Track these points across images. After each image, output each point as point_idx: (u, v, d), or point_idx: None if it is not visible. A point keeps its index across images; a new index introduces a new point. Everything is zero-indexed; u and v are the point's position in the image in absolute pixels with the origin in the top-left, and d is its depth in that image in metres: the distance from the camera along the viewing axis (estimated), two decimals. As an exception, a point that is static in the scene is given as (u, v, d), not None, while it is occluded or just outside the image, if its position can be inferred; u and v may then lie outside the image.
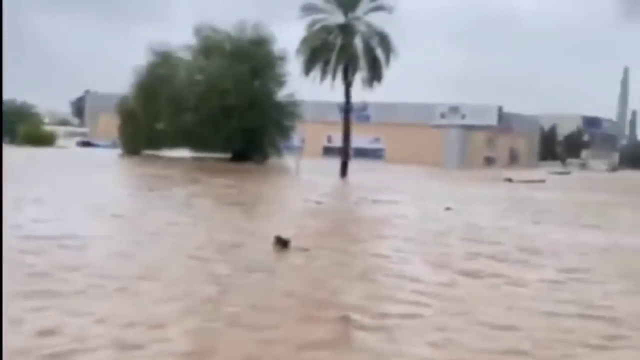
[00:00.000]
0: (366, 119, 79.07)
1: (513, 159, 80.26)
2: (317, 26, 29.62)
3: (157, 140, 40.94)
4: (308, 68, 29.84)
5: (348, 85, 30.19)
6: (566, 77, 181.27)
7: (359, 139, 78.75)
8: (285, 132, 43.63)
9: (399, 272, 8.16)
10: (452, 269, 8.43)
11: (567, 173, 60.79)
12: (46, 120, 74.14)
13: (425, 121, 71.60)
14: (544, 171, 61.49)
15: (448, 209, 16.61)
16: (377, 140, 78.28)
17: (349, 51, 29.36)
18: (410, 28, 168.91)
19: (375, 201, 18.19)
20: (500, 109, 71.57)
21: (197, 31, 41.33)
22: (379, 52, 29.54)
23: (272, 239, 9.81)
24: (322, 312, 6.13)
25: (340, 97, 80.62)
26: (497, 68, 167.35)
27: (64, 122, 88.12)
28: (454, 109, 71.72)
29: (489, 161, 74.07)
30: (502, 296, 7.24)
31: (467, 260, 9.19)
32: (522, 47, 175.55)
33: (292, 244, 9.69)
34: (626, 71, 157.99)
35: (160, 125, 40.29)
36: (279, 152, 43.03)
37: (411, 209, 16.52)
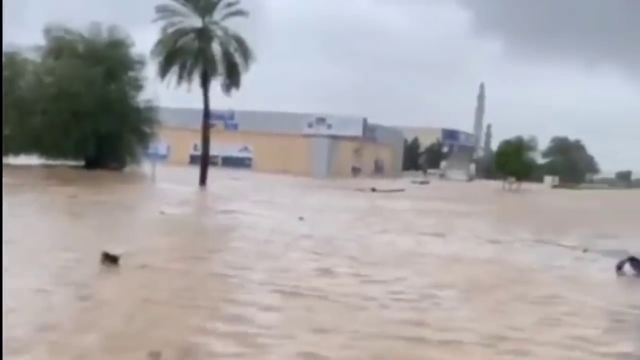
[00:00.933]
0: (234, 127, 78.23)
1: (378, 169, 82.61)
2: (172, 29, 28.45)
3: (4, 147, 37.60)
4: (163, 72, 28.56)
5: (206, 90, 29.20)
6: (427, 90, 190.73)
7: (227, 148, 77.93)
8: (143, 138, 41.63)
9: (231, 298, 7.38)
10: (289, 288, 7.81)
11: (427, 183, 63.26)
12: None
13: (293, 131, 71.92)
14: (406, 181, 63.75)
15: (301, 218, 16.21)
16: (245, 149, 77.62)
17: (205, 56, 28.43)
18: (277, 36, 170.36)
19: (228, 211, 17.40)
20: (365, 120, 73.37)
21: (47, 32, 38.55)
22: (237, 58, 28.83)
23: (100, 255, 8.77)
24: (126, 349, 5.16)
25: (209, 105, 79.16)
26: (362, 80, 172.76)
27: None
28: (321, 120, 72.63)
29: (356, 171, 75.64)
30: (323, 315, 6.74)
31: (306, 277, 8.65)
32: (385, 61, 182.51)
33: (123, 260, 8.69)
34: (482, 87, 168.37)
35: (6, 131, 36.99)
36: (136, 159, 40.93)
37: (264, 219, 15.92)
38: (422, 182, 61.87)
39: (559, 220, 21.54)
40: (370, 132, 77.01)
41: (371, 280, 8.37)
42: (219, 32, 28.88)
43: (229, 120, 78.58)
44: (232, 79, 29.05)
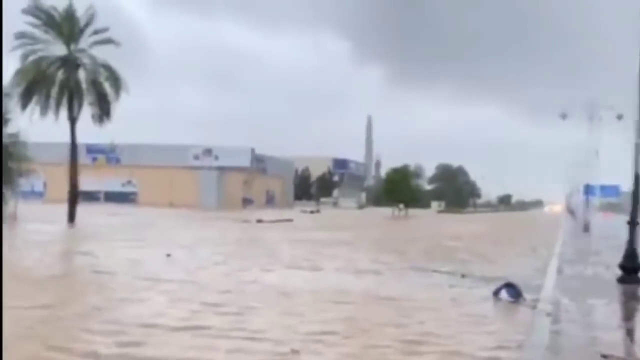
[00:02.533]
0: (117, 160, 75.15)
1: (269, 199, 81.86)
2: (33, 57, 26.35)
3: None
4: (24, 103, 26.31)
5: (73, 121, 27.18)
6: (315, 120, 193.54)
7: (109, 182, 74.57)
8: (10, 176, 38.46)
9: None
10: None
11: (317, 212, 63.07)
12: None
13: (179, 163, 69.93)
14: (296, 210, 63.28)
15: (169, 255, 14.91)
16: (129, 182, 74.52)
17: (70, 85, 26.50)
18: (160, 68, 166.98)
19: (84, 253, 15.74)
20: (252, 150, 72.63)
21: None
22: (107, 87, 27.12)
23: None
24: None
25: (88, 138, 75.64)
26: (249, 111, 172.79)
27: None
28: (207, 151, 71.15)
29: (247, 202, 74.43)
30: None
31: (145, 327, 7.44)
32: (266, 92, 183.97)
33: None
34: (369, 118, 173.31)
35: None
36: (4, 199, 37.60)
37: (125, 259, 14.44)
38: (312, 212, 61.62)
39: (439, 246, 21.43)
40: (259, 163, 76.34)
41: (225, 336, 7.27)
42: (86, 60, 27.08)
43: (111, 154, 75.52)
44: (103, 109, 27.24)
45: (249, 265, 13.41)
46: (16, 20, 26.07)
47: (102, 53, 27.54)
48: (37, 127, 27.96)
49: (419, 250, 19.22)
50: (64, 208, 31.46)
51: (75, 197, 27.84)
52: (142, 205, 64.85)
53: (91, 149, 75.78)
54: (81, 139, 73.49)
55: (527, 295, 10.18)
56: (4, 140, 37.06)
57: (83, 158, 74.76)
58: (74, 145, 27.72)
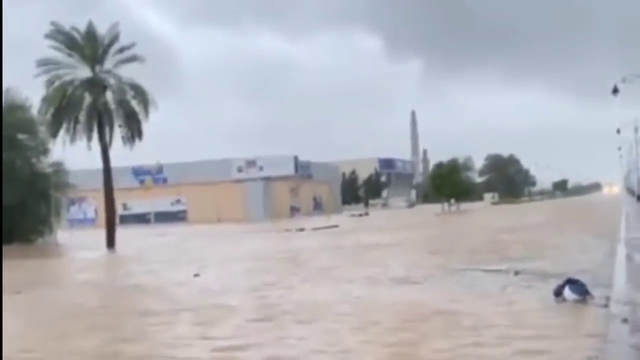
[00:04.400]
0: (164, 180, 75.50)
1: (317, 206, 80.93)
2: (58, 82, 25.96)
3: None
4: (54, 130, 25.96)
5: (105, 145, 26.68)
6: (357, 122, 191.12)
7: (158, 203, 75.00)
8: (55, 205, 38.57)
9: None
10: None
11: (366, 214, 61.78)
12: None
13: (224, 177, 69.78)
14: (344, 215, 62.13)
15: (197, 275, 13.96)
16: (177, 201, 74.86)
17: (98, 107, 26.03)
18: (194, 84, 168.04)
19: (115, 277, 14.95)
20: (296, 158, 71.82)
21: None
22: (136, 106, 26.55)
23: None
24: None
25: (133, 161, 76.34)
26: (289, 119, 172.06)
27: None
28: (251, 162, 70.67)
29: (294, 210, 73.71)
30: None
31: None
32: (305, 98, 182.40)
33: None
34: (413, 114, 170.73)
35: None
36: (50, 228, 37.70)
37: (153, 280, 13.58)
38: (360, 215, 60.36)
39: (490, 241, 19.85)
40: (304, 170, 75.52)
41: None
42: (112, 81, 26.57)
43: (158, 175, 75.95)
44: (133, 129, 26.68)
45: (273, 281, 12.25)
46: (40, 47, 25.82)
47: (131, 72, 27.12)
48: (86, 154, 27.62)
49: (468, 247, 17.73)
50: (116, 233, 31.12)
51: (112, 221, 27.28)
52: (192, 223, 64.81)
53: (138, 171, 76.52)
54: (126, 162, 74.40)
55: (596, 292, 8.75)
56: (45, 170, 37.32)
57: (131, 181, 76.65)
58: (107, 169, 27.19)
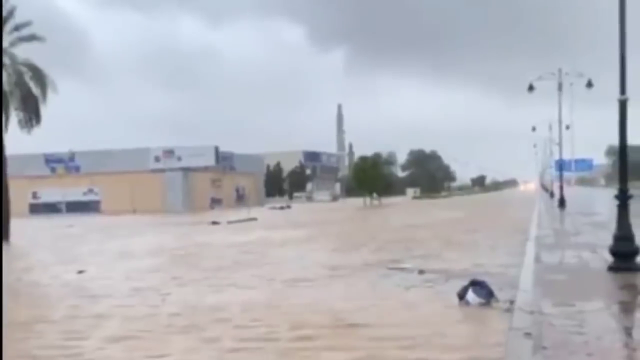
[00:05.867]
0: (76, 169, 72.23)
1: (240, 197, 79.34)
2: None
3: None
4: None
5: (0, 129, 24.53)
6: (281, 114, 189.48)
7: (70, 192, 71.64)
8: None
9: None
10: None
11: (288, 207, 60.92)
12: None
13: (140, 167, 67.19)
14: (265, 207, 61.09)
15: (81, 272, 12.70)
16: (90, 191, 71.66)
17: (-7, 89, 23.91)
18: (106, 68, 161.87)
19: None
20: (216, 148, 70.02)
21: None
22: (34, 89, 24.56)
23: None
24: None
25: (46, 147, 72.30)
26: (210, 109, 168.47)
27: None
28: (169, 152, 68.35)
29: (216, 202, 71.98)
30: None
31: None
32: (228, 87, 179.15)
33: None
34: (339, 107, 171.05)
35: None
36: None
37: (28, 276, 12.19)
38: (282, 208, 59.46)
39: (403, 236, 19.36)
40: (226, 161, 73.85)
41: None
42: (7, 61, 24.42)
43: (70, 163, 72.56)
44: (30, 113, 24.67)
45: (157, 283, 11.12)
46: None
47: (38, 55, 25.04)
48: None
49: (378, 244, 17.10)
50: (19, 222, 29.06)
51: (7, 212, 25.15)
52: (106, 213, 62.24)
53: (49, 159, 72.93)
54: (39, 149, 70.41)
55: (501, 295, 8.17)
56: None
57: (42, 168, 72.96)
58: (1, 156, 25.02)
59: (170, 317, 7.79)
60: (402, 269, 11.35)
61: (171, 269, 13.10)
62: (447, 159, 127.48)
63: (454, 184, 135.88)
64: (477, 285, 8.59)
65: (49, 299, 9.67)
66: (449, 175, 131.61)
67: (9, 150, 29.27)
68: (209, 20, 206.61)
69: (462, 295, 8.51)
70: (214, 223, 32.09)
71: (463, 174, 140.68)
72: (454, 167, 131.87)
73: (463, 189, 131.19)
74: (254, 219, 36.10)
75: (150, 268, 13.17)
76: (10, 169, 35.49)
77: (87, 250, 18.44)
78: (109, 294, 9.76)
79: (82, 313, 8.36)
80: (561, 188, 37.76)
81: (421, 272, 10.92)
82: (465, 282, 8.67)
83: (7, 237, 24.79)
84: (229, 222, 32.31)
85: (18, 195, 65.55)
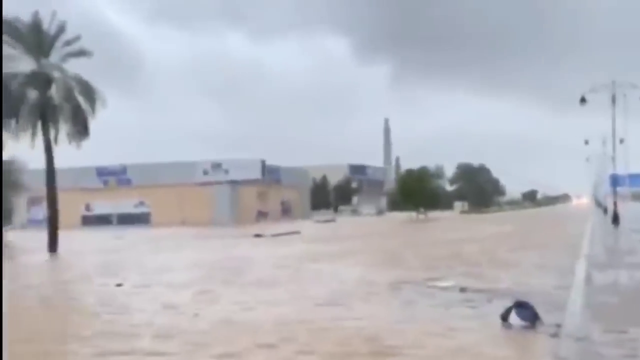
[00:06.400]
0: (127, 182, 73.61)
1: (285, 211, 79.53)
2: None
3: None
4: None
5: (48, 142, 25.06)
6: (328, 127, 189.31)
7: (122, 205, 73.08)
8: (5, 205, 36.82)
9: None
10: None
11: (332, 221, 60.65)
12: None
13: (189, 180, 68.08)
14: (310, 221, 60.97)
15: (119, 285, 12.70)
16: (141, 203, 72.95)
17: (45, 103, 24.45)
18: (156, 83, 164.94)
19: (29, 286, 13.55)
20: (262, 162, 70.43)
21: None
22: (83, 103, 24.99)
23: None
24: None
25: (98, 161, 74.12)
26: (257, 123, 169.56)
27: None
28: (217, 165, 69.08)
29: (262, 215, 72.27)
30: None
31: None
32: (274, 101, 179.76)
33: None
34: (386, 121, 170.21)
35: None
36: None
37: (68, 291, 12.24)
38: (326, 221, 59.21)
39: (448, 252, 18.84)
40: (272, 174, 74.20)
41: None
42: (57, 75, 24.98)
43: (122, 176, 74.02)
44: (78, 126, 25.11)
45: (190, 298, 10.95)
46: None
47: (90, 71, 25.51)
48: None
49: (422, 260, 16.65)
50: (68, 234, 29.65)
51: (55, 224, 25.62)
52: (156, 225, 63.14)
53: (102, 172, 74.58)
54: (91, 162, 72.12)
55: (546, 317, 7.71)
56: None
57: (94, 181, 74.66)
58: (50, 169, 25.52)
59: (198, 335, 7.60)
60: (443, 288, 10.94)
61: (206, 283, 12.98)
62: (496, 172, 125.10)
63: (504, 199, 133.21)
64: (522, 306, 8.16)
65: (83, 312, 9.63)
66: (498, 189, 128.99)
67: (63, 163, 29.97)
68: (255, 36, 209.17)
69: (505, 317, 8.10)
70: (258, 236, 32.09)
71: (512, 188, 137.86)
72: (504, 180, 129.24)
73: (513, 204, 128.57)
74: (297, 232, 35.99)
75: (186, 282, 13.09)
76: (64, 182, 36.46)
77: (129, 263, 18.56)
78: (142, 309, 9.66)
79: (114, 328, 8.27)
80: (615, 204, 36.39)
81: (462, 290, 10.50)
82: (509, 303, 8.24)
83: (55, 248, 25.26)
84: (273, 235, 32.27)
85: (71, 208, 67.46)
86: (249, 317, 8.75)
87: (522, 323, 7.83)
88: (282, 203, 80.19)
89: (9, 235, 35.18)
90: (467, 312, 8.69)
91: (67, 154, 27.85)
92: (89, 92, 25.23)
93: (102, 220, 71.22)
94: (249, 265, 16.84)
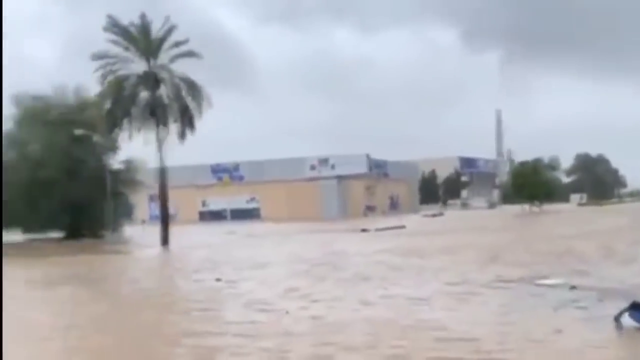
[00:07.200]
0: (240, 178, 75.81)
1: (394, 205, 78.85)
2: (113, 77, 25.54)
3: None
4: (110, 126, 25.59)
5: (159, 141, 26.10)
6: (436, 119, 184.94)
7: (235, 200, 75.48)
8: (124, 201, 38.97)
9: None
10: None
11: (440, 215, 59.39)
12: None
13: (297, 176, 69.10)
14: (418, 215, 60.03)
15: (218, 280, 12.90)
16: (252, 199, 74.96)
17: (155, 103, 25.49)
18: (265, 82, 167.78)
19: (132, 280, 14.05)
20: (368, 156, 70.20)
21: (15, 100, 36.28)
22: (190, 102, 25.82)
23: None
24: None
25: (209, 159, 77.18)
26: (364, 117, 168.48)
27: None
28: (324, 161, 69.61)
29: (370, 209, 72.10)
30: None
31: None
32: (381, 95, 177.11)
33: None
34: (498, 112, 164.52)
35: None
36: (119, 224, 38.01)
37: (169, 286, 12.58)
38: (434, 215, 58.00)
39: (560, 247, 17.71)
40: (379, 168, 73.82)
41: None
42: (166, 76, 25.96)
43: (235, 172, 76.35)
44: (185, 125, 25.97)
45: (282, 294, 10.84)
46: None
47: (199, 70, 26.38)
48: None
49: (532, 255, 15.75)
50: (184, 229, 30.88)
51: (166, 219, 26.67)
52: (266, 220, 64.58)
53: (216, 169, 77.28)
54: (206, 159, 75.04)
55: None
56: (115, 167, 37.57)
57: (209, 178, 77.55)
58: (162, 166, 26.58)
59: (282, 336, 7.43)
60: (551, 286, 10.22)
61: (300, 279, 12.87)
62: (616, 162, 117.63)
63: (625, 190, 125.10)
64: (637, 308, 7.42)
65: (178, 306, 9.78)
66: (618, 180, 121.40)
67: (179, 161, 31.20)
68: (362, 30, 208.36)
69: (617, 317, 7.40)
70: (363, 230, 31.87)
71: (635, 179, 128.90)
72: (624, 171, 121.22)
73: (635, 195, 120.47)
74: (402, 226, 35.46)
75: (283, 277, 13.08)
76: (180, 179, 37.99)
77: (233, 257, 18.89)
78: (233, 306, 9.67)
79: (194, 326, 8.29)
80: None
81: (572, 287, 9.75)
82: (624, 304, 7.51)
83: (166, 243, 26.32)
84: (377, 230, 31.94)
85: (188, 204, 70.35)
86: (340, 315, 8.51)
87: (636, 324, 7.12)
88: (390, 197, 79.57)
89: (127, 231, 37.23)
90: (577, 314, 8.02)
91: (183, 152, 28.98)
92: (196, 92, 26.03)
93: (217, 215, 73.70)
94: (349, 260, 16.62)
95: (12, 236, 35.85)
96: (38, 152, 33.43)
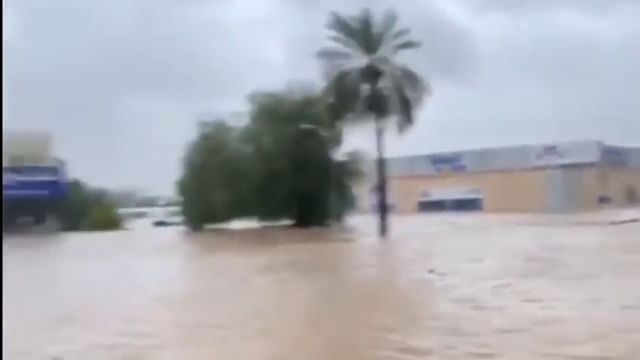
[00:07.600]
0: (461, 168, 74.78)
1: (631, 196, 72.02)
2: (335, 72, 26.71)
3: (214, 214, 39.27)
4: (334, 119, 26.83)
5: (380, 133, 26.77)
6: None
7: (455, 190, 74.64)
8: (346, 191, 40.85)
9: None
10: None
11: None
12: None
13: (521, 165, 66.26)
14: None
15: (431, 271, 12.98)
16: (474, 189, 73.47)
17: (376, 96, 26.20)
18: (486, 69, 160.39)
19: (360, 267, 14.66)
20: (599, 143, 64.83)
21: (250, 98, 40.01)
22: (410, 94, 26.09)
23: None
24: None
25: (429, 149, 77.24)
26: (593, 102, 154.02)
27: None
28: (550, 149, 65.87)
29: (604, 201, 66.63)
30: None
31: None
32: (612, 79, 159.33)
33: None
34: None
35: (215, 197, 38.50)
36: (343, 213, 40.06)
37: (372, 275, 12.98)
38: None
39: None
40: (614, 156, 67.86)
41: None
42: (386, 68, 26.51)
43: (456, 162, 75.47)
44: (404, 117, 26.31)
45: (488, 290, 10.40)
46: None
47: (421, 62, 26.57)
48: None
49: None
50: (404, 219, 31.45)
51: (384, 210, 27.33)
52: (488, 211, 62.86)
53: (435, 159, 77.05)
54: (424, 149, 75.28)
55: None
56: (341, 159, 39.50)
57: (429, 169, 77.58)
58: (380, 157, 27.30)
59: (489, 336, 7.25)
60: None
61: (507, 274, 12.31)
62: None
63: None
64: None
65: (391, 298, 10.04)
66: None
67: (399, 152, 31.72)
68: (587, 11, 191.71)
69: None
70: (595, 223, 29.58)
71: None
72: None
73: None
74: (638, 219, 32.17)
75: (497, 273, 12.63)
76: (400, 170, 38.62)
77: (449, 249, 18.79)
78: (445, 299, 9.66)
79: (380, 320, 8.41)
80: None
81: None
82: None
83: (384, 232, 27.01)
84: (612, 223, 29.45)
85: (408, 194, 71.15)
86: (552, 317, 8.05)
87: None
88: (627, 187, 72.74)
89: (350, 221, 38.93)
90: None
91: (401, 143, 29.49)
92: (416, 83, 26.24)
93: (437, 206, 73.38)
94: (557, 254, 15.50)
95: (249, 223, 39.67)
96: (270, 146, 36.46)
